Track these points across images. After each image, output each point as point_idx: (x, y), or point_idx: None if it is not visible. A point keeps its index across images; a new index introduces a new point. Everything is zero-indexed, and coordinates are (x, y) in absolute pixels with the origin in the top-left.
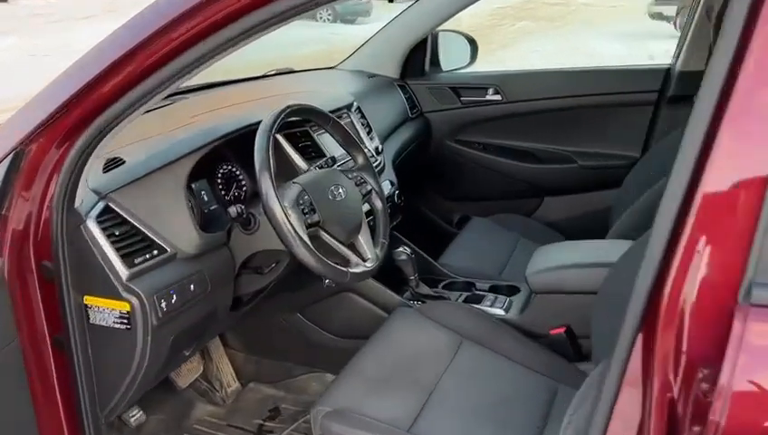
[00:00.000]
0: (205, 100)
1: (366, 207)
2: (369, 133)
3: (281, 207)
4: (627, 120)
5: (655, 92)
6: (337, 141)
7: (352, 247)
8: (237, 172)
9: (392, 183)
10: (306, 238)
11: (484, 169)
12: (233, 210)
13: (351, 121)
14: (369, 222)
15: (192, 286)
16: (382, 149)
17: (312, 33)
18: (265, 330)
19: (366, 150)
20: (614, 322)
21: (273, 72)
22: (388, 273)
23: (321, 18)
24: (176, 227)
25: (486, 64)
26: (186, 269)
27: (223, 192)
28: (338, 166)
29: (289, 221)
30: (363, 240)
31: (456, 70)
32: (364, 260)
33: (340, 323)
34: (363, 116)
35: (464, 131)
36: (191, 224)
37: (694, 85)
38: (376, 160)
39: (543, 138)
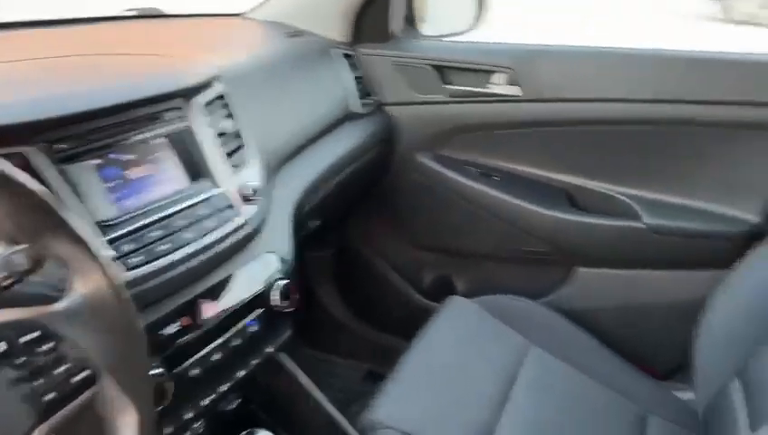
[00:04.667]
0: None
1: None
2: (232, 155)
3: None
4: (753, 155)
5: None
6: None
7: None
8: None
9: (283, 260)
10: None
11: (480, 209)
12: None
13: (180, 132)
14: None
15: None
16: (257, 191)
17: None
18: None
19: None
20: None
21: (131, 14)
22: None
23: None
24: None
25: (503, 30)
26: None
27: None
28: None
29: None
30: None
31: (446, 37)
32: None
33: None
34: (230, 115)
35: (451, 143)
36: None
37: None
38: (238, 217)
39: (591, 169)
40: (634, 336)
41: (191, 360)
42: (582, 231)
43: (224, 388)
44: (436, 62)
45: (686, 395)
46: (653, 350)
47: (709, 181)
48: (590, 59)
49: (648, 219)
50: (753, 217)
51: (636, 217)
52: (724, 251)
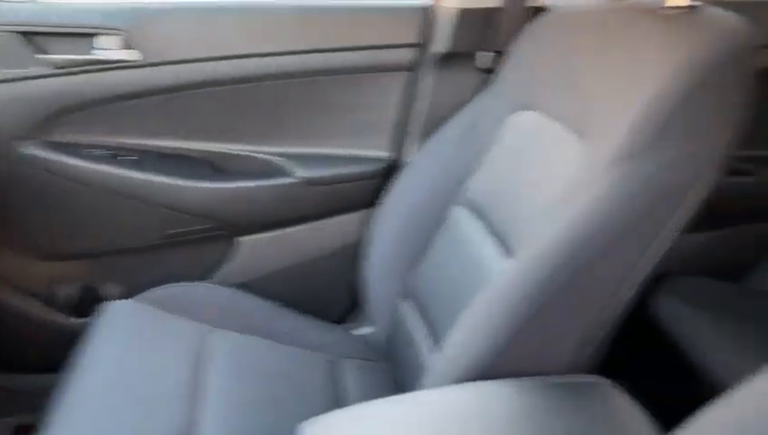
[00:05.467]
0: None
1: None
2: None
3: None
4: (373, 97)
5: (411, 47)
6: None
7: None
8: None
9: None
10: None
11: (119, 198)
12: None
13: None
14: None
15: None
16: None
17: None
18: None
19: None
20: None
21: None
22: None
23: None
24: None
25: None
26: None
27: None
28: None
29: None
30: None
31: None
32: None
33: None
34: None
35: (64, 125)
36: None
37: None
38: None
39: (231, 133)
40: (307, 290)
41: None
42: (238, 198)
43: None
44: (23, 29)
45: (364, 331)
46: (328, 297)
47: (343, 128)
48: (206, 16)
49: (299, 173)
50: (385, 154)
51: (287, 173)
52: (370, 190)
